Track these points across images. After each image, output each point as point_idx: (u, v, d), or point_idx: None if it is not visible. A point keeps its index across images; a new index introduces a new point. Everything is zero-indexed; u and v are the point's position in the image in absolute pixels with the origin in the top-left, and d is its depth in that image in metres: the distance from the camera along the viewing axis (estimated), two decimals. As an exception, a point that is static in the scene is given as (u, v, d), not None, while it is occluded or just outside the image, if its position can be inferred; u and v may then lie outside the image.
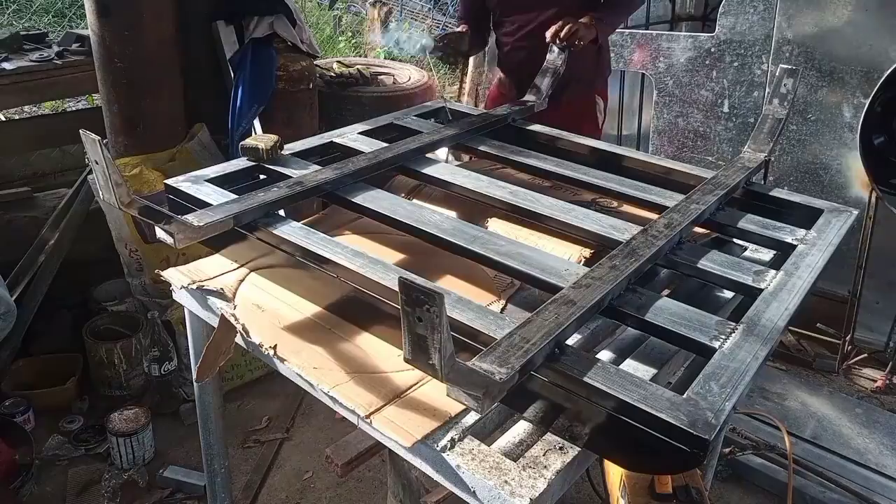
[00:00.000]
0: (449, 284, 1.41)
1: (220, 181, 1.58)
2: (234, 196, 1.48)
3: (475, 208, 1.65)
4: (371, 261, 1.29)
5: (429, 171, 1.72)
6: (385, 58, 5.56)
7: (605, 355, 1.24)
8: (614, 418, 0.98)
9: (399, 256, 1.50)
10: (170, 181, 1.56)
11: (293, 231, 1.40)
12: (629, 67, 3.24)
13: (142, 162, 2.51)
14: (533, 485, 0.99)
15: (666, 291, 1.40)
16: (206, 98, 2.67)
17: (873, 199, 2.65)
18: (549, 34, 2.15)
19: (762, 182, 1.81)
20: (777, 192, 1.72)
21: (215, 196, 1.49)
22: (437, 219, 1.47)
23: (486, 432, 1.11)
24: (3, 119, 3.58)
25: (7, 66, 2.64)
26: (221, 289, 1.43)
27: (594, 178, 1.72)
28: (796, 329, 3.01)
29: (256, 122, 2.72)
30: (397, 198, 1.57)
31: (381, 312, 1.27)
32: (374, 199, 1.56)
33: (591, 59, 2.42)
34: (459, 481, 1.04)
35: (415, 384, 1.18)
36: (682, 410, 0.94)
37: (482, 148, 1.90)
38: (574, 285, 1.18)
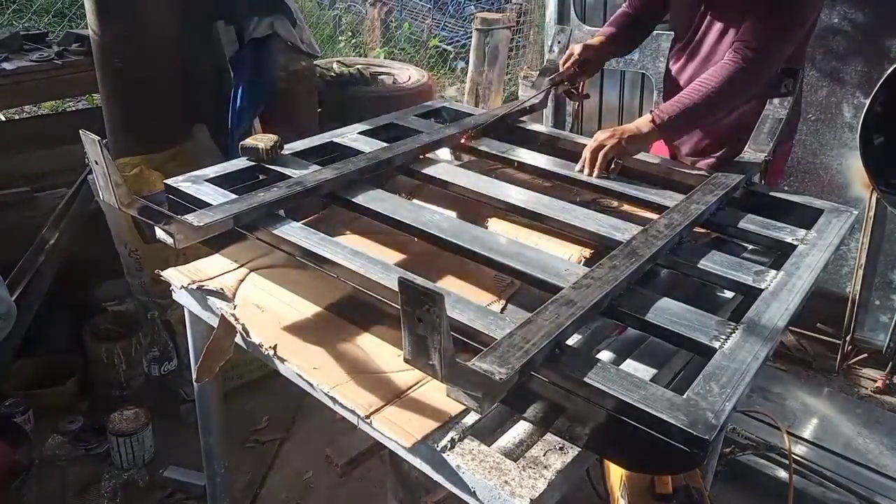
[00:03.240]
0: (449, 284, 1.40)
1: (220, 181, 1.58)
2: (234, 196, 1.48)
3: (475, 208, 1.65)
4: (371, 261, 1.29)
5: (429, 171, 1.73)
6: (385, 58, 5.57)
7: (605, 355, 1.24)
8: (614, 418, 0.98)
9: (399, 256, 1.50)
10: (170, 181, 1.56)
11: (293, 231, 1.40)
12: (629, 67, 3.23)
13: (142, 162, 2.50)
14: (533, 485, 0.99)
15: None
16: (206, 98, 2.67)
17: (873, 199, 2.65)
18: (578, 165, 1.74)
19: (762, 182, 1.81)
20: (777, 193, 1.73)
21: (215, 196, 1.49)
22: (437, 219, 1.47)
23: (486, 432, 1.11)
24: (3, 119, 3.58)
25: (7, 66, 2.64)
26: (221, 289, 1.43)
27: (594, 177, 1.72)
28: (796, 329, 3.00)
29: (256, 122, 2.71)
30: (397, 198, 1.57)
31: (381, 312, 1.27)
32: (374, 199, 1.56)
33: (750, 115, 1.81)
34: (459, 481, 1.04)
35: (415, 384, 1.18)
36: (683, 411, 0.94)
37: (482, 148, 1.90)
38: (574, 285, 1.18)
